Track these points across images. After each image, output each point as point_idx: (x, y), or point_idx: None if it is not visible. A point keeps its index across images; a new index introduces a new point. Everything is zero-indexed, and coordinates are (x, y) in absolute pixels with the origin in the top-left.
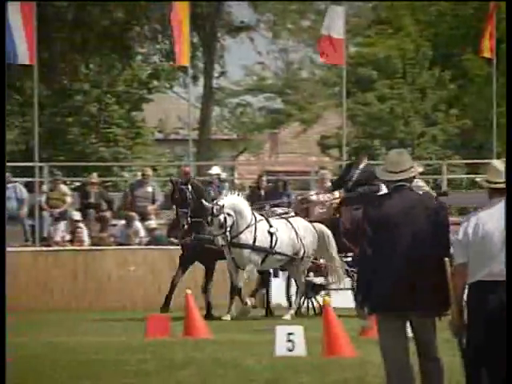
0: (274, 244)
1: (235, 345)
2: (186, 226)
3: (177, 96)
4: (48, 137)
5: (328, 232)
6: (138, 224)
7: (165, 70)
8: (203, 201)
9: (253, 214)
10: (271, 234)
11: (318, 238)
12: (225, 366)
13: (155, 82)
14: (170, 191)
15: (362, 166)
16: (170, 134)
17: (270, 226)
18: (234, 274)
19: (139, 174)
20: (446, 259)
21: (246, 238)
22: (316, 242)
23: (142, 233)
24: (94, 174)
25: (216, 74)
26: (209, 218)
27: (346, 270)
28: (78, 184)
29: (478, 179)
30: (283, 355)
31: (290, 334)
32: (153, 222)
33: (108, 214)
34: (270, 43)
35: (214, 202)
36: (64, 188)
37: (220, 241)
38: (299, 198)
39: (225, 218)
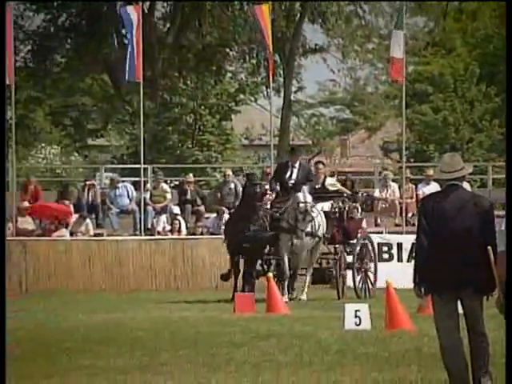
0: (317, 228)
1: (310, 320)
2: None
3: (260, 108)
4: (152, 142)
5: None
6: (227, 216)
7: (249, 86)
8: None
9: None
10: (312, 219)
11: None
12: (301, 338)
13: (241, 96)
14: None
15: (297, 164)
16: (254, 140)
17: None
18: (293, 260)
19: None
20: (490, 247)
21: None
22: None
23: None
24: (190, 175)
25: (294, 89)
26: (300, 215)
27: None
28: (176, 183)
29: None
30: (351, 329)
31: (357, 310)
32: None
33: (202, 208)
34: (340, 62)
35: (301, 201)
36: (165, 186)
37: (300, 233)
38: (365, 194)
39: (313, 219)
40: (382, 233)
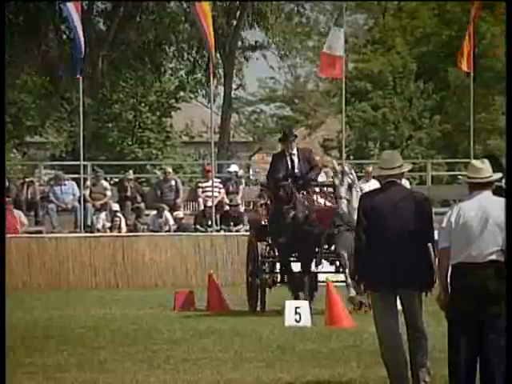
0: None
1: (251, 317)
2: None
3: (200, 105)
4: (91, 139)
5: None
6: (167, 214)
7: (189, 83)
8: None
9: None
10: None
11: None
12: (242, 335)
13: (181, 93)
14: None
15: (295, 151)
16: (194, 137)
17: None
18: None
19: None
20: (429, 244)
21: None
22: None
23: (171, 221)
24: (130, 172)
25: (234, 86)
26: (338, 178)
27: None
28: (116, 180)
29: (460, 176)
30: (291, 325)
31: (297, 307)
32: (180, 213)
33: (142, 205)
34: (281, 60)
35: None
36: (105, 183)
37: (344, 207)
38: None
39: (353, 181)
40: None
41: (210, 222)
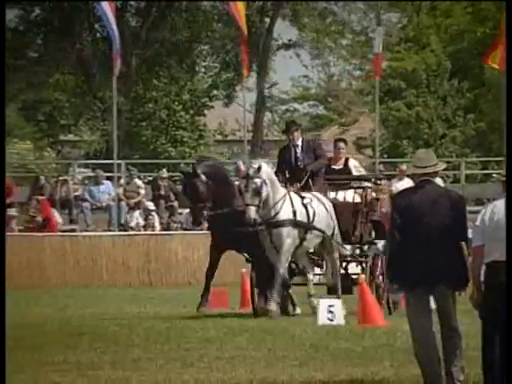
0: (311, 218)
1: (284, 316)
2: (203, 222)
3: (234, 103)
4: (125, 138)
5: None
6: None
7: (223, 81)
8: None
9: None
10: (305, 206)
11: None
12: (275, 334)
13: (215, 91)
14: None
15: (299, 142)
16: (228, 135)
17: (302, 198)
18: (276, 260)
19: None
20: (463, 242)
21: (285, 213)
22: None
23: None
24: (164, 170)
25: (267, 85)
26: (242, 183)
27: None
28: (150, 178)
29: (494, 174)
30: (324, 324)
31: (330, 305)
32: None
33: (175, 203)
34: (314, 58)
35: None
36: (138, 182)
37: (252, 214)
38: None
39: (261, 184)
40: None
41: None
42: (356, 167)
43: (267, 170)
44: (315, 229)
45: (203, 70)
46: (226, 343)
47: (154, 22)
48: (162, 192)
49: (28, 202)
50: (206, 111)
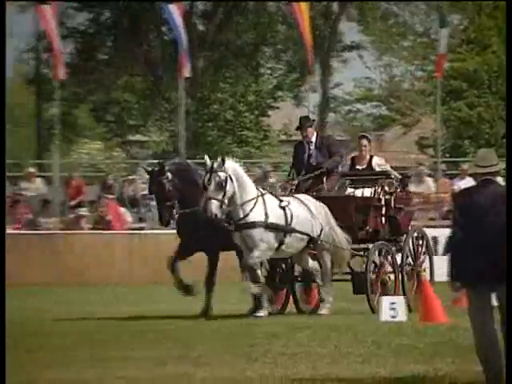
0: (289, 220)
1: (347, 313)
2: (170, 222)
3: (298, 103)
4: (191, 138)
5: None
6: None
7: (287, 83)
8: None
9: (257, 188)
10: (283, 209)
11: (328, 218)
12: (338, 330)
13: (279, 93)
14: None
15: (313, 138)
16: (292, 135)
17: (280, 201)
18: (249, 261)
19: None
20: None
21: (255, 215)
22: (327, 221)
23: None
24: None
25: (331, 86)
26: (206, 177)
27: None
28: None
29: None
30: (387, 321)
31: (392, 303)
32: None
33: None
34: (376, 60)
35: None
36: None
37: (213, 208)
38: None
39: (226, 178)
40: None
41: None
42: (380, 165)
43: (234, 166)
44: (292, 231)
45: (268, 71)
46: (290, 339)
47: (220, 25)
48: None
49: (97, 200)
50: (270, 112)
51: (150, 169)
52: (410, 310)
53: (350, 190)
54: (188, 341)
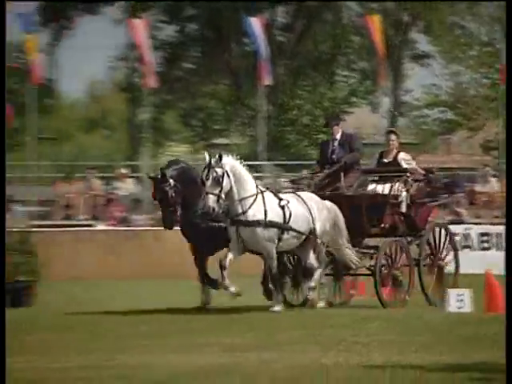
0: (288, 219)
1: (415, 304)
2: (174, 225)
3: (371, 108)
4: (271, 142)
5: (338, 210)
6: None
7: (361, 90)
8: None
9: (256, 185)
10: (282, 208)
11: (332, 217)
12: (406, 321)
13: (353, 99)
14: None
15: (338, 136)
16: (365, 138)
17: (280, 199)
18: (232, 256)
19: None
20: None
21: (255, 213)
22: (329, 220)
23: None
24: (305, 171)
25: (401, 92)
26: (204, 172)
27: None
28: (294, 178)
29: None
30: (454, 311)
31: (459, 294)
32: None
33: None
34: (444, 68)
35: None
36: (282, 182)
37: (211, 202)
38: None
39: (223, 174)
40: (481, 224)
41: None
42: (405, 160)
43: (232, 162)
44: (289, 229)
45: (343, 79)
46: (361, 329)
47: (299, 36)
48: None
49: None
50: (345, 116)
51: (152, 175)
52: (429, 303)
53: (371, 187)
54: (269, 329)
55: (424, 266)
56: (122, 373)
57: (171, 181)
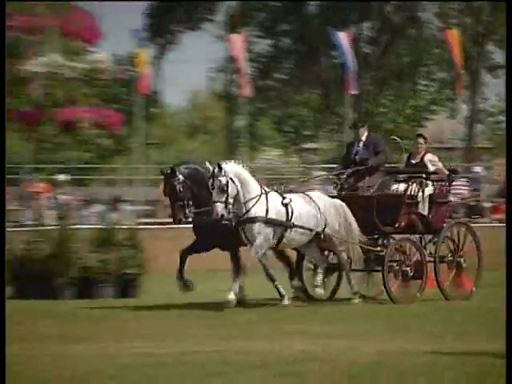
0: (290, 216)
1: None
2: (183, 219)
3: (449, 115)
4: None
5: (347, 208)
6: None
7: (441, 99)
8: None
9: (261, 186)
10: (285, 206)
11: (339, 214)
12: (465, 312)
13: (433, 107)
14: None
15: (363, 137)
16: (443, 142)
17: (283, 198)
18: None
19: None
20: None
21: (256, 211)
22: (337, 217)
23: None
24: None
25: (478, 100)
26: (209, 182)
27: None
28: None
29: None
30: None
31: None
32: None
33: None
34: None
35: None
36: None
37: (219, 210)
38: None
39: (227, 182)
40: None
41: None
42: (432, 161)
43: (235, 169)
44: (292, 226)
45: (424, 88)
46: (436, 318)
47: (384, 49)
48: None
49: None
50: (426, 123)
51: (164, 171)
52: (446, 298)
53: (394, 187)
54: (349, 319)
55: (444, 262)
56: (228, 358)
57: (180, 176)
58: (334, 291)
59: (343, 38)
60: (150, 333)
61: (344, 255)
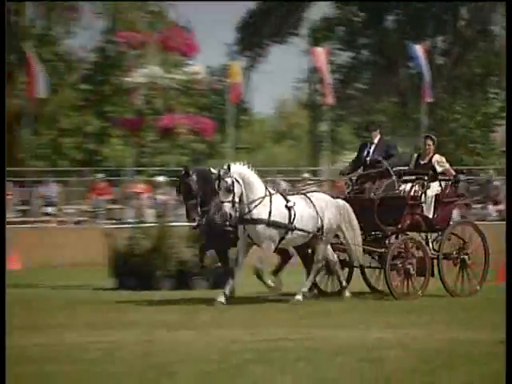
0: (292, 219)
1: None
2: (197, 218)
3: None
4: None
5: (350, 208)
6: (490, 207)
7: None
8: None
9: (266, 188)
10: (289, 209)
11: (340, 214)
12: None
13: (503, 114)
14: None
15: (376, 140)
16: None
17: (287, 201)
18: (242, 253)
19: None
20: None
21: (259, 212)
22: (338, 217)
23: (494, 213)
24: (462, 176)
25: None
26: (216, 183)
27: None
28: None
29: None
30: None
31: None
32: (501, 206)
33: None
34: None
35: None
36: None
37: (227, 209)
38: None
39: (233, 182)
40: None
41: None
42: (439, 162)
43: (240, 170)
44: (293, 229)
45: (494, 95)
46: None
47: (456, 61)
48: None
49: None
50: (498, 128)
51: (179, 173)
52: (451, 294)
53: (402, 187)
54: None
55: (450, 259)
56: (315, 346)
57: (194, 177)
58: (342, 287)
59: (419, 50)
60: (244, 320)
61: (331, 253)
